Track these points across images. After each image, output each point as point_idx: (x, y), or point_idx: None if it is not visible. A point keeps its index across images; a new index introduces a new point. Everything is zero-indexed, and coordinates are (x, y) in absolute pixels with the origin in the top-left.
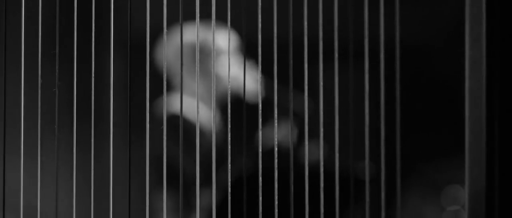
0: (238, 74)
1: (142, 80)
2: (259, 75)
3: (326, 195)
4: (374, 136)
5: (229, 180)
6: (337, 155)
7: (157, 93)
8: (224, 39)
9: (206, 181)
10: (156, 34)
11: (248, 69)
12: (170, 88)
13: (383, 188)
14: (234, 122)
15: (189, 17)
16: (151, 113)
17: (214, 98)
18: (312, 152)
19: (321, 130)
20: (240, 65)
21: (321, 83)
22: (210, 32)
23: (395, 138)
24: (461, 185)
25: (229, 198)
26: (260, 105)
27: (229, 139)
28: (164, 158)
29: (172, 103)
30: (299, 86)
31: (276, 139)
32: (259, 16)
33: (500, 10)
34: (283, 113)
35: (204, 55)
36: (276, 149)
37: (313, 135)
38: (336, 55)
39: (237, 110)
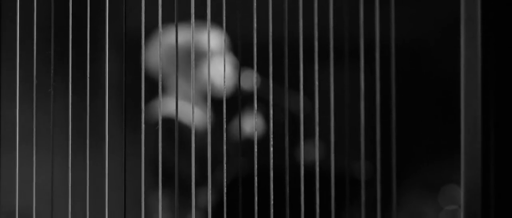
0: (231, 74)
1: (136, 82)
2: (254, 75)
3: (322, 195)
4: (370, 136)
5: (225, 180)
6: (332, 154)
7: (149, 95)
8: (214, 40)
9: (201, 182)
10: (147, 35)
11: (243, 69)
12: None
13: (379, 187)
14: (228, 122)
15: (179, 18)
16: (144, 115)
17: (210, 99)
18: (308, 152)
19: (317, 129)
20: (231, 66)
21: (316, 82)
22: (200, 33)
23: (390, 137)
24: (458, 184)
25: (225, 198)
26: (255, 106)
27: (225, 139)
28: (160, 158)
29: (164, 105)
30: (294, 86)
31: (271, 139)
32: (254, 16)
33: (495, 9)
34: (278, 112)
35: (196, 57)
36: (271, 149)
37: (309, 134)
38: (332, 54)
39: (232, 110)
